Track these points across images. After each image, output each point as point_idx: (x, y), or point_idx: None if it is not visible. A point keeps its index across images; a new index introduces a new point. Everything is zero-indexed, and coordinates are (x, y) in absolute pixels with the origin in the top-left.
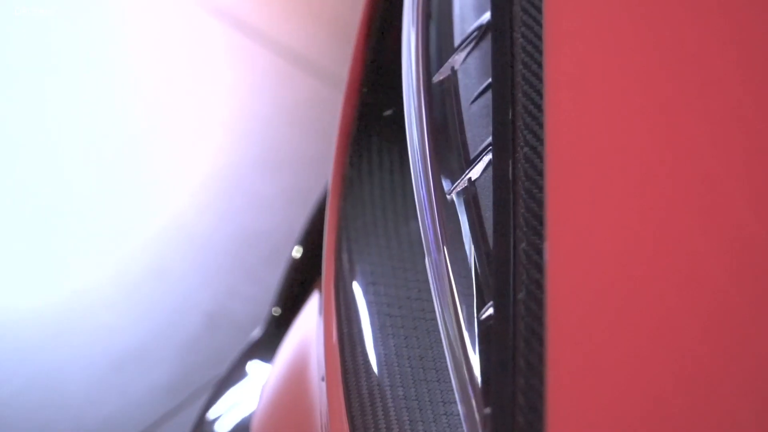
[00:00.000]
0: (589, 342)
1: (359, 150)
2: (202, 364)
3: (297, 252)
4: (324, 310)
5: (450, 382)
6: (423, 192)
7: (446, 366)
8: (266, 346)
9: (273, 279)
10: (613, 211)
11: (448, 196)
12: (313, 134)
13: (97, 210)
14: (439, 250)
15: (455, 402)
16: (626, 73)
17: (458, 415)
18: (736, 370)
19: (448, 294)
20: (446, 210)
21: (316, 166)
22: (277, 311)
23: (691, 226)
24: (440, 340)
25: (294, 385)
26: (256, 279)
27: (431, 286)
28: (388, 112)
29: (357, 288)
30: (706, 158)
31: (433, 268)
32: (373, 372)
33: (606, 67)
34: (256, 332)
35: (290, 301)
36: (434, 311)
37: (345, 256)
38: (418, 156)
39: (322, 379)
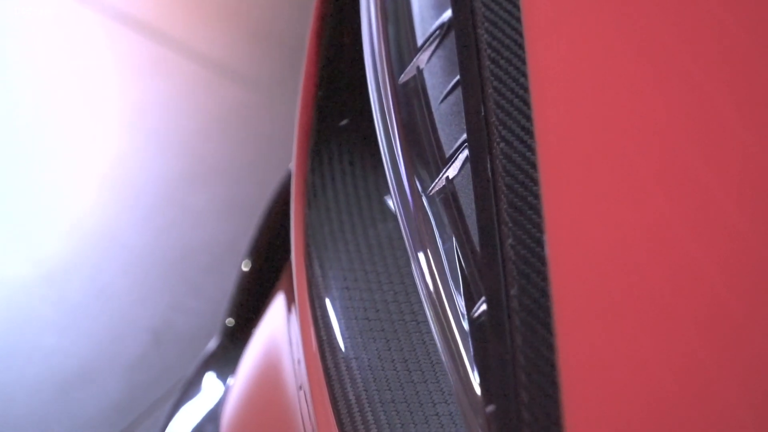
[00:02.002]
0: (589, 335)
1: (320, 157)
2: (150, 382)
3: (246, 265)
4: (300, 319)
5: (437, 382)
6: (401, 194)
7: (432, 367)
8: (222, 357)
9: (216, 291)
10: (606, 207)
11: (424, 196)
12: (241, 143)
13: (29, 228)
14: (423, 251)
15: (445, 402)
16: (612, 67)
17: (449, 414)
18: (732, 366)
19: (437, 294)
20: (426, 210)
21: (247, 175)
22: (231, 322)
23: (684, 220)
24: (423, 341)
25: (266, 395)
26: (199, 292)
27: (419, 288)
28: (344, 122)
29: (331, 295)
30: (699, 155)
31: (419, 270)
32: (358, 377)
33: (591, 61)
34: (212, 344)
35: (244, 312)
36: (413, 313)
37: (316, 263)
38: (392, 158)
39: (300, 388)
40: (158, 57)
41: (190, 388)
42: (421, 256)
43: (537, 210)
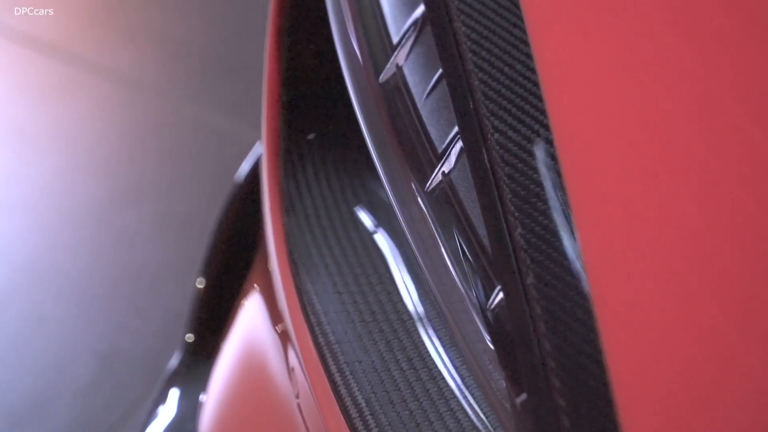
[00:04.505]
0: (612, 314)
1: (292, 165)
2: (103, 406)
3: (200, 282)
4: (294, 328)
5: (447, 378)
6: (397, 194)
7: (438, 363)
8: (186, 374)
9: (158, 309)
10: (611, 187)
11: (422, 194)
12: (163, 158)
13: None
14: (427, 247)
15: (455, 397)
16: (615, 55)
17: (463, 409)
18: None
19: (448, 290)
20: (426, 207)
21: (174, 190)
22: (190, 338)
23: (692, 201)
24: (426, 338)
25: (254, 407)
26: (141, 312)
27: (431, 286)
28: (311, 136)
29: (324, 301)
30: (703, 146)
31: (426, 267)
32: (365, 381)
33: (593, 49)
34: (173, 361)
35: (203, 327)
36: (410, 311)
37: (302, 271)
38: (383, 159)
39: (297, 397)
40: (68, 78)
41: (155, 408)
42: (425, 252)
43: (540, 197)
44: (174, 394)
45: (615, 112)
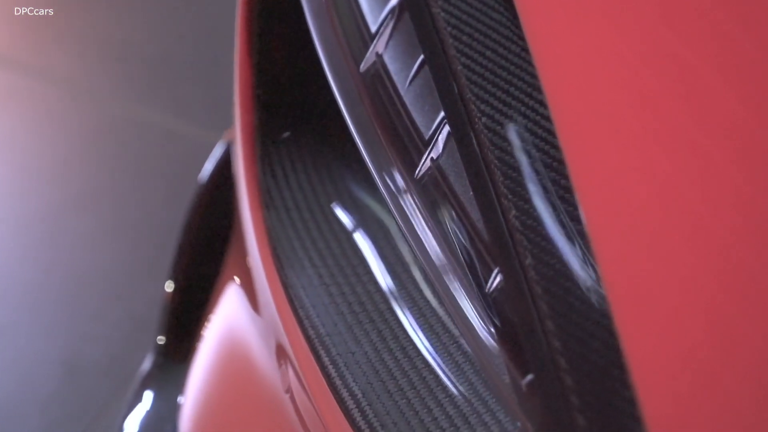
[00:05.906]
0: (611, 289)
1: (270, 160)
2: (70, 415)
3: (169, 286)
4: (282, 322)
5: (442, 365)
6: (386, 184)
7: (433, 351)
8: (160, 376)
9: (120, 315)
10: (599, 166)
11: (411, 182)
12: (115, 162)
13: None
14: (419, 234)
15: (447, 384)
16: (611, 37)
17: (458, 396)
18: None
19: (444, 274)
20: (416, 194)
21: (128, 195)
22: (162, 340)
23: (692, 186)
24: (418, 326)
25: (241, 405)
26: (102, 317)
27: (429, 274)
28: (286, 135)
29: (311, 294)
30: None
31: (421, 253)
32: (359, 372)
33: (588, 28)
34: (146, 364)
35: (174, 330)
36: (400, 299)
37: (287, 264)
38: (369, 150)
39: (287, 392)
40: (12, 85)
41: (129, 411)
42: (418, 240)
43: (533, 178)
44: (148, 396)
45: (614, 91)
